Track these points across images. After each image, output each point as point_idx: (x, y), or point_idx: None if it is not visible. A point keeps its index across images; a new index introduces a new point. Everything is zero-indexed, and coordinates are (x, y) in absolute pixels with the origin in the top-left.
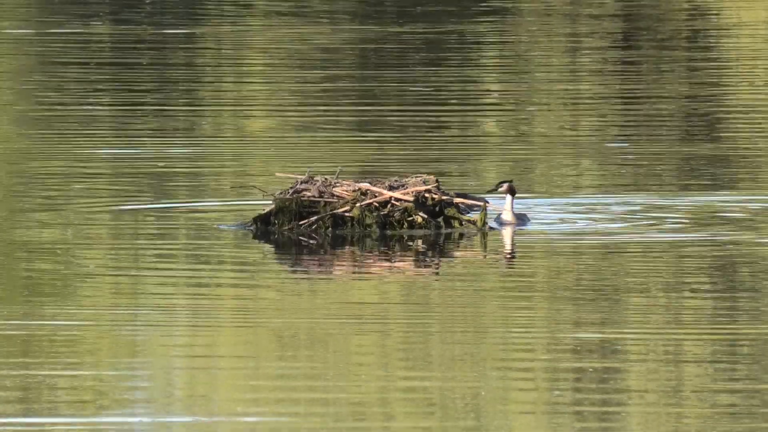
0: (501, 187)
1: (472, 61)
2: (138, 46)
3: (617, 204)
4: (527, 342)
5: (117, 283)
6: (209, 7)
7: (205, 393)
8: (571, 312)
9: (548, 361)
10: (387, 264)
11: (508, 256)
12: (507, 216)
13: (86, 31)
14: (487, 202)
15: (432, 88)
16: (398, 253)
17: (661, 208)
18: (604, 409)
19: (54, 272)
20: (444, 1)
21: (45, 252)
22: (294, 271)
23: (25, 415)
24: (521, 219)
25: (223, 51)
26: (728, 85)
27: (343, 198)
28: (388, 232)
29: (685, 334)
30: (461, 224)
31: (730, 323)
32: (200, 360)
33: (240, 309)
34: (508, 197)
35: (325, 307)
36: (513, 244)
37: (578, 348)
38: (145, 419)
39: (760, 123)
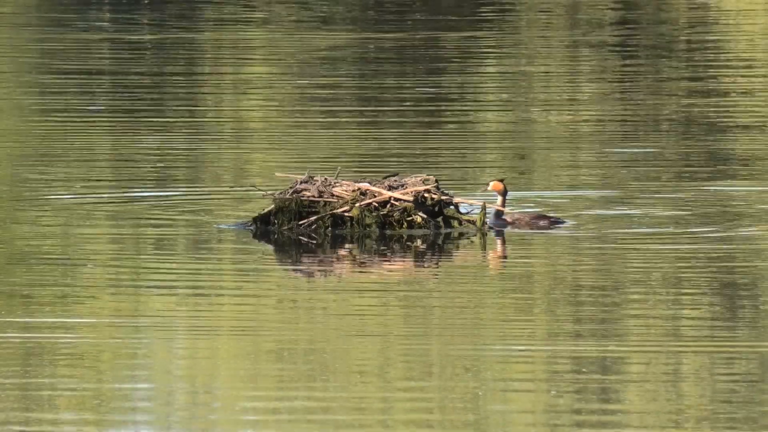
0: (487, 186)
1: (473, 64)
2: (138, 49)
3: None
4: (526, 351)
5: (117, 288)
6: (209, 11)
7: (205, 405)
8: (569, 321)
9: (547, 371)
10: (386, 267)
11: (486, 257)
12: (494, 213)
13: (88, 36)
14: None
15: (432, 89)
16: (397, 254)
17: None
18: (603, 419)
19: (54, 279)
20: (445, 6)
21: (44, 258)
22: (294, 276)
23: (24, 426)
24: (536, 220)
25: (224, 54)
26: (728, 85)
27: (342, 198)
28: (388, 232)
29: (684, 346)
30: (460, 224)
31: (729, 336)
32: (200, 371)
33: (240, 318)
34: (499, 197)
35: (323, 314)
36: (504, 246)
37: (577, 357)
38: None
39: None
